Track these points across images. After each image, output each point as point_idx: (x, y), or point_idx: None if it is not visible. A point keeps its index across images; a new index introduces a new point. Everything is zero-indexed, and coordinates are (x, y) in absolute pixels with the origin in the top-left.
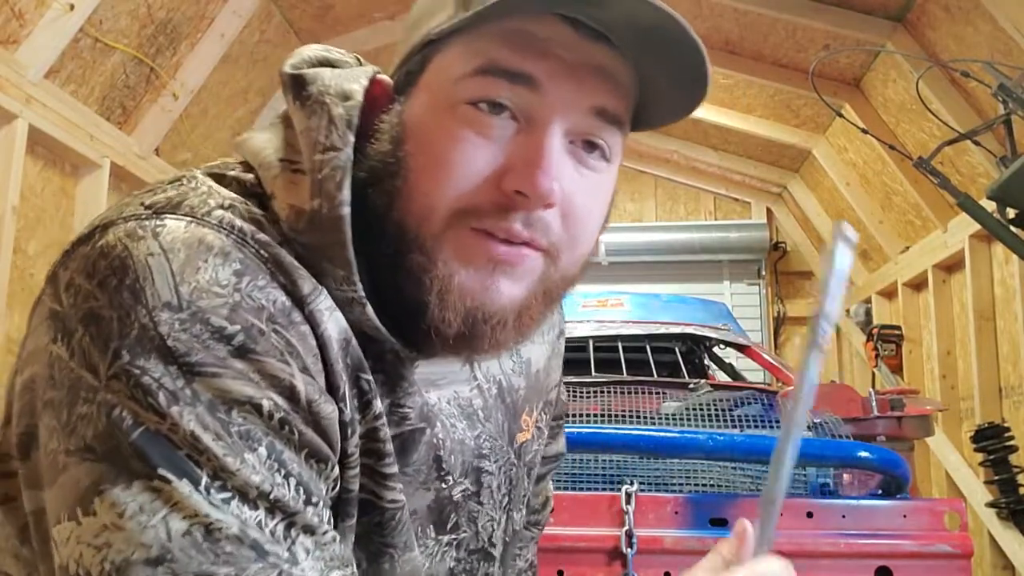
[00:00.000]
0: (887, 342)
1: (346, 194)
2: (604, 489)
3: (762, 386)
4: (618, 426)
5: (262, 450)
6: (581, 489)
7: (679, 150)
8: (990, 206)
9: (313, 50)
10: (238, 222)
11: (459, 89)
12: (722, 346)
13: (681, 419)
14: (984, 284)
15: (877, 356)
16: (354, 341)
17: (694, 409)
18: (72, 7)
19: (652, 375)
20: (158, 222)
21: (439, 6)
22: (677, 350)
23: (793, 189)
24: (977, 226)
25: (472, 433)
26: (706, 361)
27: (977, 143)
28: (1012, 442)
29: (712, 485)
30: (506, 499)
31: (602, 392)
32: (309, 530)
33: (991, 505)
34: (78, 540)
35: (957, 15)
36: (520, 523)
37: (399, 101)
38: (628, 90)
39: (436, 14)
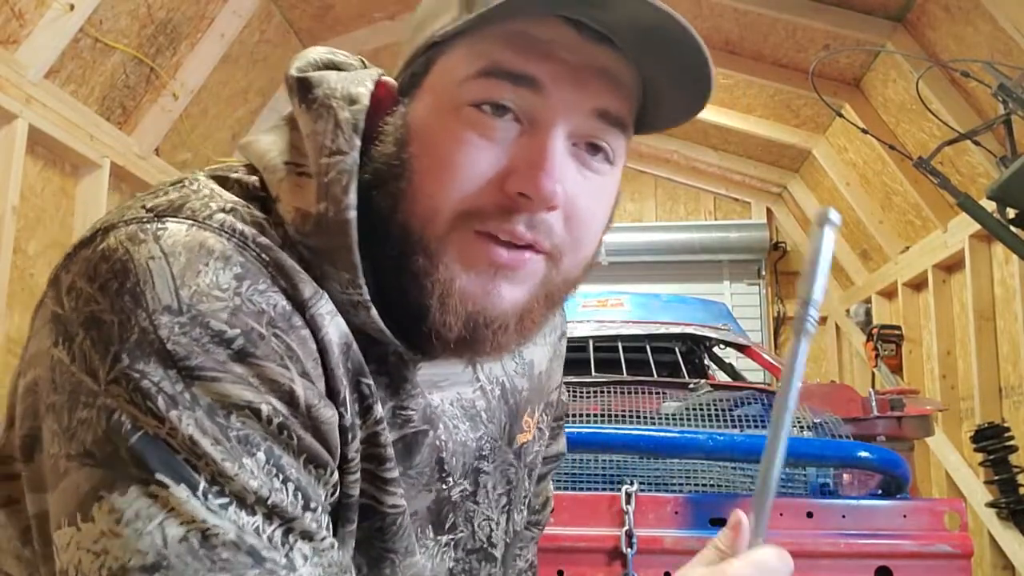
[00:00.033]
0: (887, 342)
1: (352, 198)
2: (604, 489)
3: (762, 386)
4: (618, 426)
5: (260, 455)
6: (581, 489)
7: (679, 150)
8: (990, 206)
9: (319, 52)
10: (239, 225)
11: (463, 91)
12: (722, 346)
13: (681, 419)
14: (984, 284)
15: (877, 356)
16: (355, 345)
17: (694, 409)
18: (72, 7)
19: (652, 375)
20: (159, 225)
21: (443, 8)
22: (677, 350)
23: (793, 189)
24: (977, 226)
25: (474, 435)
26: (706, 361)
27: (977, 143)
28: (1012, 442)
29: (712, 485)
30: (505, 500)
31: (602, 392)
32: (307, 536)
33: (991, 505)
34: (78, 546)
35: (957, 15)
36: (521, 524)
37: (403, 103)
38: (631, 92)
39: (440, 16)
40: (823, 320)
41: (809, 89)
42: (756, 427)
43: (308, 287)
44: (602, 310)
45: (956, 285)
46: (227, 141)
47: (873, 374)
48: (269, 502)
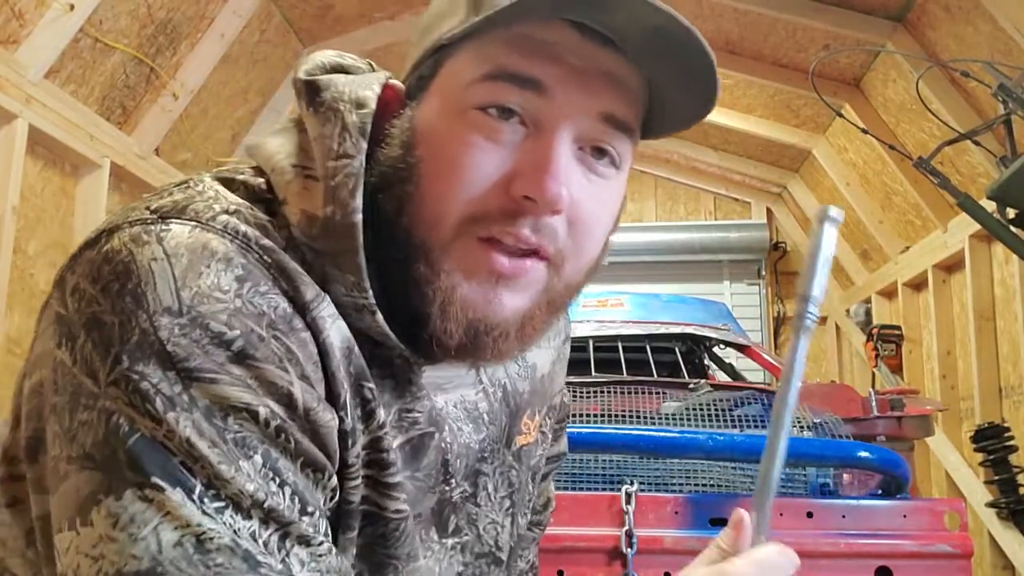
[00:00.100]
0: (887, 342)
1: (358, 201)
2: (604, 489)
3: (762, 386)
4: (618, 426)
5: (257, 458)
6: (581, 489)
7: (679, 150)
8: (990, 206)
9: (327, 56)
10: (242, 227)
11: (469, 94)
12: (722, 346)
13: (681, 419)
14: (984, 284)
15: (877, 356)
16: (357, 349)
17: (694, 409)
18: (72, 7)
19: (652, 375)
20: (163, 226)
21: (451, 11)
22: (677, 350)
23: (793, 189)
24: (977, 226)
25: (477, 436)
26: (706, 361)
27: (977, 143)
28: (1012, 442)
29: (712, 485)
30: (508, 503)
31: (602, 392)
32: (304, 541)
33: (991, 505)
34: (77, 550)
35: (957, 15)
36: (524, 527)
37: (410, 106)
38: (637, 96)
39: (447, 19)
40: (823, 320)
41: (809, 89)
42: (756, 427)
43: (310, 290)
44: (602, 310)
45: (956, 285)
46: (227, 141)
47: (873, 374)
48: (265, 506)
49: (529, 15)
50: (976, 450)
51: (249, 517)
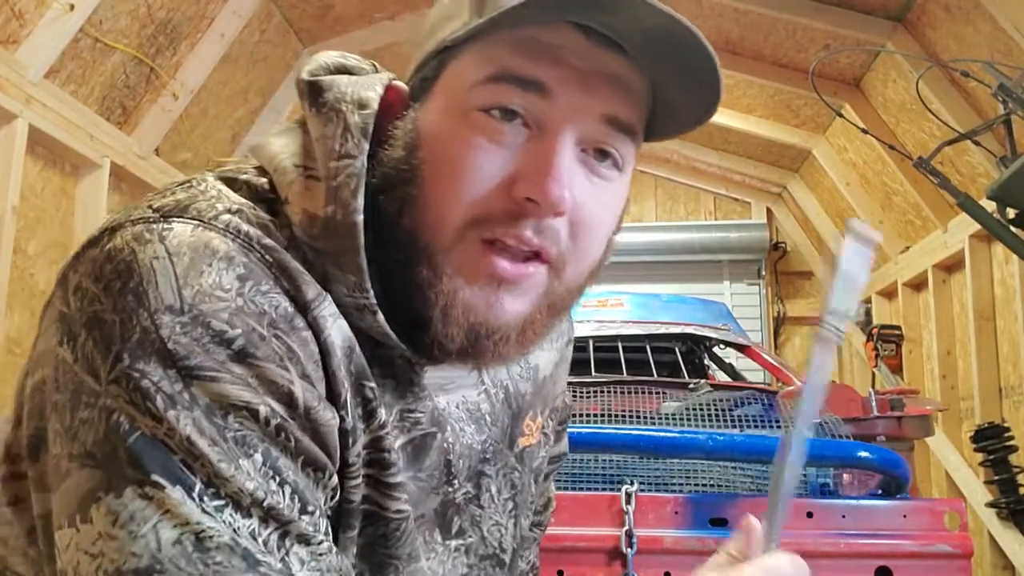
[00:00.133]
0: (887, 342)
1: (360, 202)
2: (604, 489)
3: (762, 386)
4: (618, 426)
5: (257, 456)
6: (581, 489)
7: (679, 150)
8: (990, 206)
9: (330, 57)
10: (244, 227)
11: (472, 96)
12: (722, 346)
13: (681, 419)
14: (984, 284)
15: (877, 356)
16: (358, 348)
17: (694, 409)
18: (72, 7)
19: (652, 375)
20: (165, 225)
21: (455, 13)
22: (677, 350)
23: (793, 189)
24: (977, 226)
25: (479, 437)
26: (706, 361)
27: (977, 143)
28: (1012, 442)
29: (712, 485)
30: (511, 504)
31: (602, 392)
32: (304, 540)
33: (991, 505)
34: (77, 547)
35: (957, 15)
36: (526, 528)
37: (414, 107)
38: (641, 99)
39: (452, 21)
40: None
41: (809, 89)
42: (756, 427)
43: (312, 289)
44: (602, 310)
45: (956, 285)
46: (227, 141)
47: (873, 374)
48: (265, 504)
49: (533, 17)
50: (976, 450)
51: (249, 516)
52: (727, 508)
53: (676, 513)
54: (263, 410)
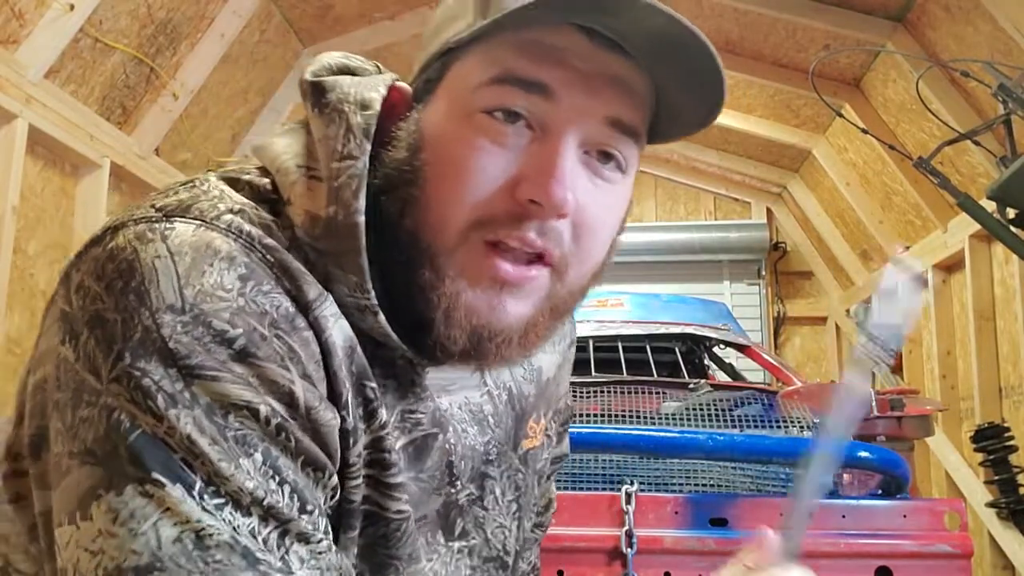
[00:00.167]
0: None
1: (361, 202)
2: (604, 489)
3: (762, 386)
4: (618, 426)
5: (257, 456)
6: (581, 489)
7: (679, 150)
8: (990, 206)
9: (333, 57)
10: (246, 227)
11: (476, 97)
12: (722, 346)
13: (681, 419)
14: (984, 284)
15: None
16: (359, 349)
17: (694, 409)
18: (72, 7)
19: (652, 375)
20: (167, 225)
21: (459, 14)
22: (677, 350)
23: (793, 189)
24: (977, 226)
25: (482, 439)
26: (706, 361)
27: (977, 143)
28: (1012, 442)
29: (712, 485)
30: (515, 506)
31: (602, 392)
32: (303, 538)
33: (991, 505)
34: (77, 544)
35: (957, 15)
36: (529, 529)
37: (417, 109)
38: (644, 101)
39: (455, 23)
40: (823, 320)
41: (809, 89)
42: (756, 427)
43: (313, 289)
44: (602, 310)
45: (956, 285)
46: (227, 141)
47: (873, 374)
48: (265, 503)
49: (536, 19)
50: (976, 450)
51: (248, 514)
52: (727, 508)
53: (676, 513)
54: (263, 409)
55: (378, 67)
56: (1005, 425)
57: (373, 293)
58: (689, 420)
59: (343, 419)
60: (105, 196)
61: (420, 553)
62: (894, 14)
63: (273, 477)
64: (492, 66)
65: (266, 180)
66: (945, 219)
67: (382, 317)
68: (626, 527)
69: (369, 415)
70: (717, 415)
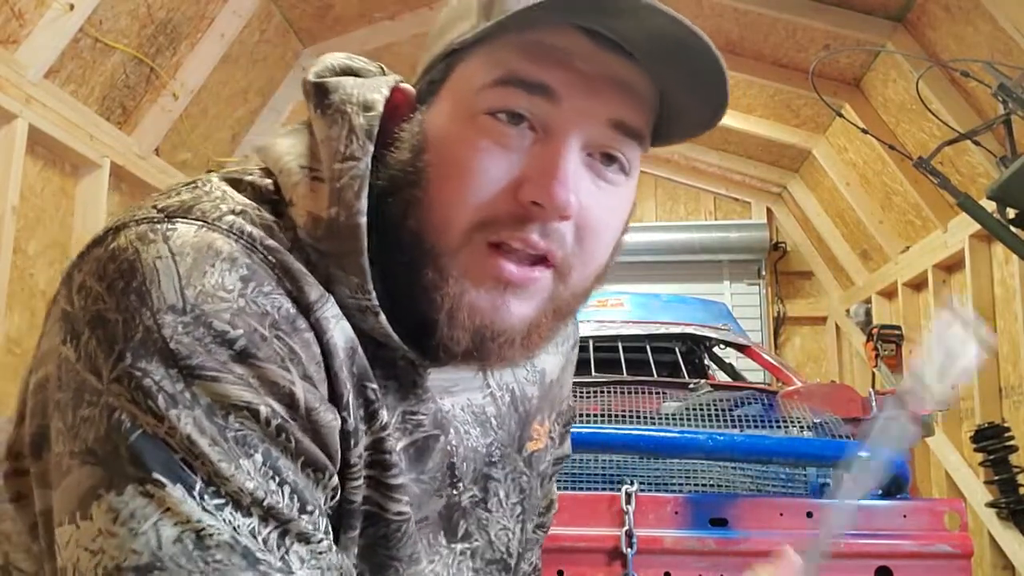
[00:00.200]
0: (887, 342)
1: (363, 203)
2: (604, 489)
3: (762, 386)
4: (618, 426)
5: (258, 456)
6: (581, 489)
7: (679, 150)
8: (990, 206)
9: (337, 58)
10: (248, 227)
11: (479, 99)
12: (722, 346)
13: (681, 419)
14: (984, 284)
15: (877, 356)
16: (360, 350)
17: (694, 409)
18: (72, 7)
19: (652, 375)
20: (169, 226)
21: (463, 16)
22: (677, 350)
23: (793, 189)
24: (977, 226)
25: (484, 440)
26: (706, 361)
27: (977, 143)
28: (1012, 442)
29: (712, 485)
30: (519, 508)
31: (602, 392)
32: (303, 538)
33: (991, 505)
34: (77, 544)
35: (957, 15)
36: (531, 531)
37: (420, 110)
38: (648, 103)
39: (459, 24)
40: (823, 320)
41: (809, 89)
42: (756, 427)
43: (314, 290)
44: (602, 310)
45: (956, 285)
46: (227, 141)
47: (873, 374)
48: (265, 504)
49: (539, 21)
50: (976, 450)
51: (249, 515)
52: (727, 508)
53: (676, 513)
54: (264, 410)
55: (382, 68)
56: (1005, 425)
57: (374, 294)
58: (689, 420)
59: (344, 420)
60: (105, 196)
61: (421, 554)
62: (894, 14)
63: (273, 478)
64: (495, 67)
65: (268, 181)
66: (945, 219)
67: (383, 318)
68: (626, 527)
69: (370, 416)
70: (717, 415)
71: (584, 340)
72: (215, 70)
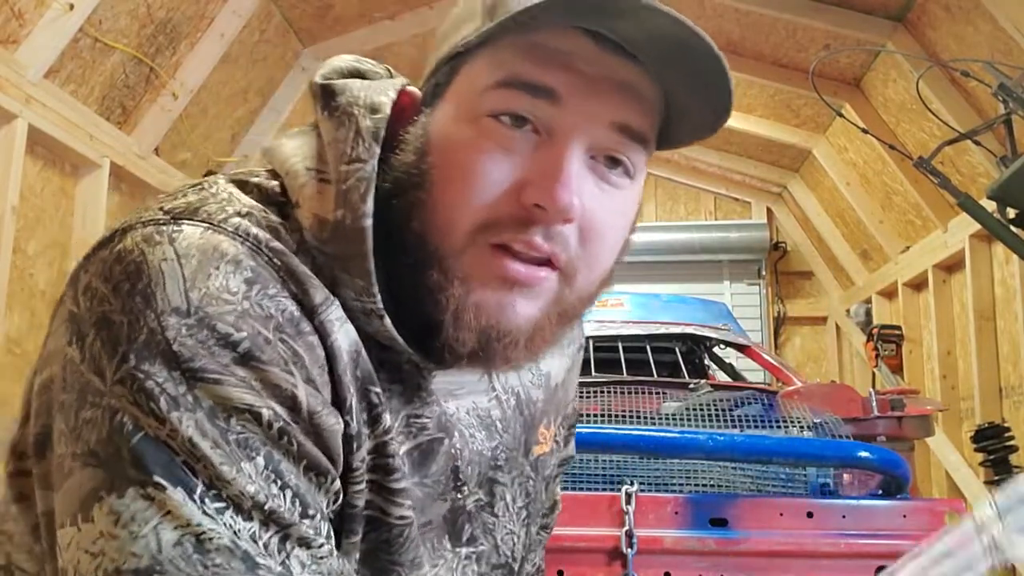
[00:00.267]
0: (887, 342)
1: (369, 206)
2: (604, 489)
3: (762, 386)
4: (618, 426)
5: (259, 460)
6: (581, 489)
7: (679, 150)
8: (990, 206)
9: (344, 60)
10: (254, 229)
11: (483, 101)
12: (722, 346)
13: (681, 419)
14: (984, 284)
15: (877, 356)
16: (364, 353)
17: (694, 409)
18: (72, 7)
19: (652, 375)
20: (175, 227)
21: (468, 19)
22: (677, 350)
23: (793, 189)
24: (977, 226)
25: (490, 444)
26: (706, 361)
27: (977, 143)
28: (1012, 442)
29: (712, 485)
30: (525, 512)
31: (602, 392)
32: (304, 543)
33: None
34: (77, 546)
35: (957, 15)
36: (535, 533)
37: (425, 113)
38: (652, 106)
39: (464, 27)
40: (823, 320)
41: (809, 89)
42: (756, 427)
43: (319, 293)
44: (602, 310)
45: (956, 285)
46: (227, 141)
47: (873, 374)
48: (266, 508)
49: (540, 22)
50: (976, 450)
51: (249, 518)
52: (727, 508)
53: (676, 513)
54: (266, 413)
55: (389, 71)
56: (1005, 425)
57: (379, 297)
58: (689, 420)
59: (347, 424)
60: (105, 196)
61: (423, 559)
62: (894, 14)
63: (275, 481)
64: (498, 70)
65: (275, 183)
66: (945, 219)
67: (388, 321)
68: (626, 527)
69: (373, 420)
70: (717, 415)
71: (584, 340)
72: (215, 70)
